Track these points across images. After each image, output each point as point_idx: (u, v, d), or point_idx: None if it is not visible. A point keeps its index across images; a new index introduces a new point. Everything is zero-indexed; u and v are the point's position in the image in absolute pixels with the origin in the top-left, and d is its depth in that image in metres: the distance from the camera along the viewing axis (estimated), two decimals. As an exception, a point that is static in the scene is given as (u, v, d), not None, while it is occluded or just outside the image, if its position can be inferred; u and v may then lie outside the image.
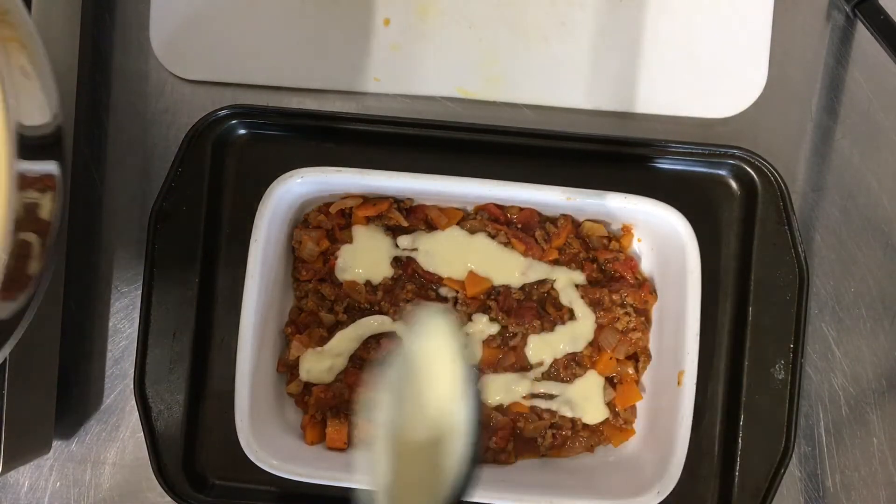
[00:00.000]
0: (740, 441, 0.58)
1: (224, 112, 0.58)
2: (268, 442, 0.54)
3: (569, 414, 0.58)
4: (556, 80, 0.61)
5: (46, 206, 0.42)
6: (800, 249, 0.58)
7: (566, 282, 0.58)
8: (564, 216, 0.59)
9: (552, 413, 0.58)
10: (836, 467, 0.60)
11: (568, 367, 0.58)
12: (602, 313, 0.58)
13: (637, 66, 0.60)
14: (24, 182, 0.40)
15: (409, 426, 0.37)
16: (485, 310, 0.58)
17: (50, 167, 0.43)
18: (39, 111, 0.43)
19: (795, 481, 0.60)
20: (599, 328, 0.58)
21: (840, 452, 0.60)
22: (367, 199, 0.58)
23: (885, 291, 0.61)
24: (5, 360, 0.52)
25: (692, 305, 0.54)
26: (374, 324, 0.58)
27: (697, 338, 0.54)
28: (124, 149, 0.62)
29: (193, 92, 0.62)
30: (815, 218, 0.61)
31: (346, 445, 0.57)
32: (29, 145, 0.40)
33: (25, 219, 0.40)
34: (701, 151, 0.59)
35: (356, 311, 0.58)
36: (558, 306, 0.58)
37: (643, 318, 0.58)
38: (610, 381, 0.58)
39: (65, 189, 0.44)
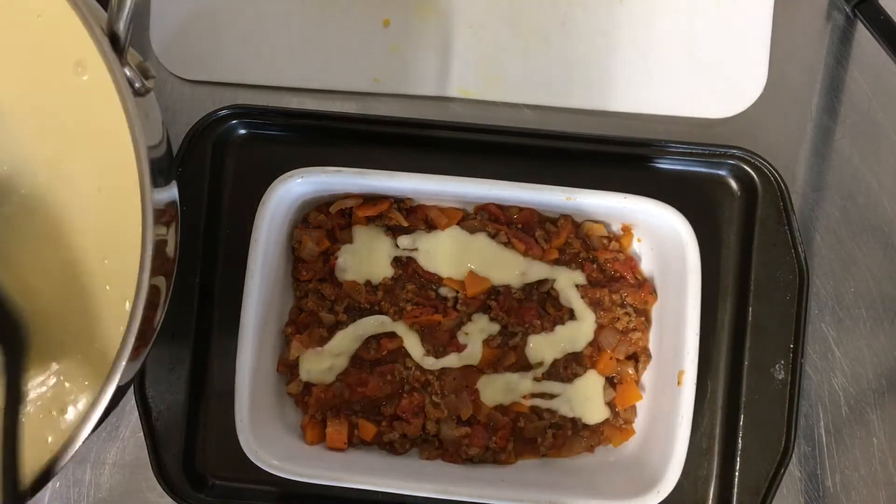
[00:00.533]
0: (740, 441, 0.58)
1: (224, 112, 0.58)
2: (268, 442, 0.54)
3: (569, 414, 0.58)
4: (556, 80, 0.61)
5: (171, 240, 0.38)
6: (800, 249, 0.58)
7: (566, 282, 0.58)
8: (564, 216, 0.59)
9: (552, 413, 0.58)
10: (836, 467, 0.60)
11: (568, 367, 0.58)
12: (602, 313, 0.58)
13: (637, 66, 0.60)
14: (157, 217, 0.33)
15: None
16: (485, 310, 0.58)
17: (172, 193, 0.39)
18: (155, 128, 0.38)
19: (795, 481, 0.60)
20: (599, 328, 0.58)
21: (840, 452, 0.60)
22: (367, 199, 0.58)
23: (885, 291, 0.61)
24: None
25: (692, 305, 0.54)
26: (374, 324, 0.58)
27: (697, 338, 0.54)
28: (124, 149, 0.62)
29: (193, 92, 0.62)
30: (815, 218, 0.61)
31: (346, 445, 0.57)
32: (155, 170, 0.34)
33: (155, 262, 0.34)
34: (701, 151, 0.59)
35: (356, 311, 0.58)
36: (558, 306, 0.58)
37: (643, 318, 0.58)
38: (610, 381, 0.58)
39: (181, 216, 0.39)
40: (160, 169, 0.37)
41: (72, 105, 0.40)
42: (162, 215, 0.35)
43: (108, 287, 0.38)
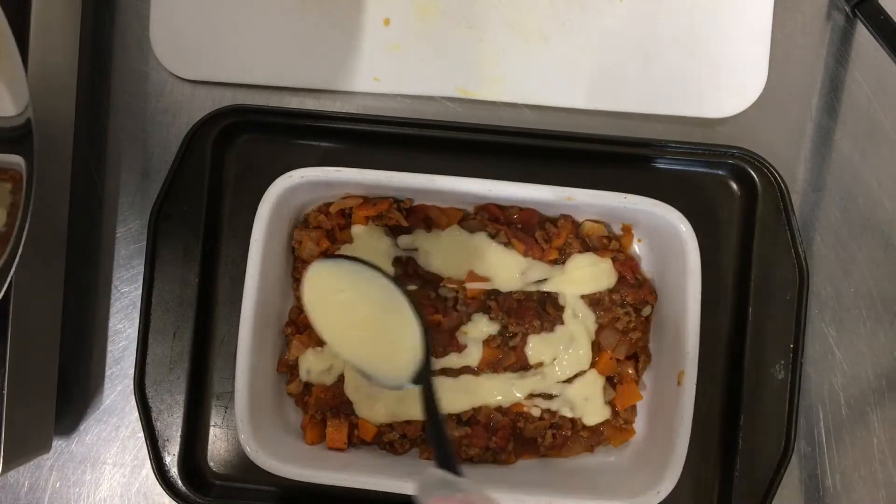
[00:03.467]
0: (740, 441, 0.58)
1: (224, 112, 0.58)
2: (268, 442, 0.54)
3: (569, 414, 0.58)
4: (556, 80, 0.61)
5: (4, 198, 0.41)
6: (800, 249, 0.58)
7: (566, 282, 0.58)
8: (564, 216, 0.59)
9: (552, 413, 0.58)
10: (836, 467, 0.60)
11: (568, 367, 0.58)
12: (602, 313, 0.58)
13: (637, 66, 0.60)
14: None
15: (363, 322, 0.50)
16: (485, 310, 0.58)
17: (12, 160, 0.42)
18: (6, 103, 0.42)
19: (795, 481, 0.60)
20: (599, 328, 0.58)
21: (840, 452, 0.60)
22: (367, 199, 0.58)
23: (885, 291, 0.61)
24: (5, 360, 0.52)
25: (692, 305, 0.54)
26: (374, 324, 0.58)
27: (697, 338, 0.54)
28: (124, 149, 0.62)
29: (193, 92, 0.62)
30: (815, 218, 0.61)
31: (346, 445, 0.57)
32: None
33: None
34: (701, 151, 0.59)
35: (356, 311, 0.58)
36: (558, 306, 0.58)
37: (643, 318, 0.58)
38: (610, 381, 0.58)
39: (30, 184, 0.42)
40: (7, 139, 0.41)
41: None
42: None
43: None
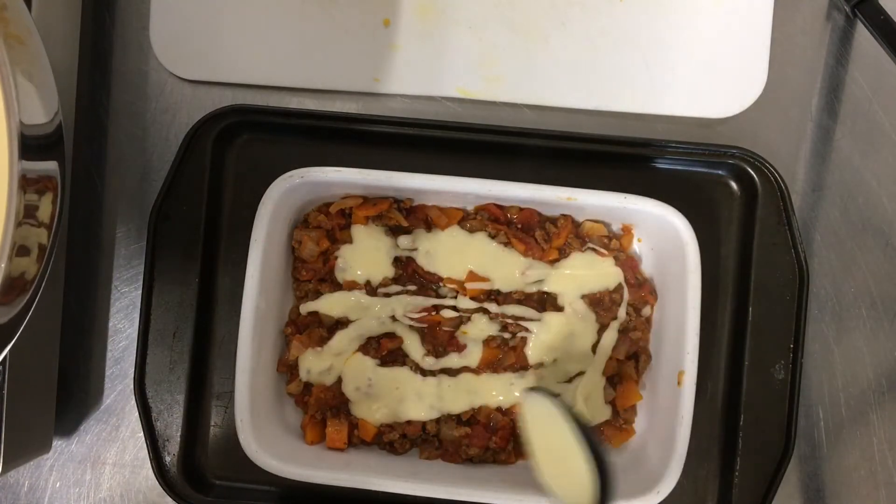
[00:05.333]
0: (740, 441, 0.58)
1: (224, 112, 0.58)
2: (268, 442, 0.54)
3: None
4: (556, 80, 0.61)
5: (46, 208, 0.42)
6: (800, 249, 0.58)
7: (566, 282, 0.58)
8: (564, 216, 0.59)
9: (552, 413, 0.58)
10: (836, 467, 0.60)
11: (568, 367, 0.58)
12: (602, 313, 0.58)
13: (637, 65, 0.60)
14: (24, 183, 0.38)
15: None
16: (485, 310, 0.58)
17: (50, 167, 0.42)
18: (40, 110, 0.42)
19: (795, 481, 0.60)
20: (600, 328, 0.58)
21: (840, 452, 0.60)
22: (367, 199, 0.58)
23: (885, 291, 0.61)
24: (5, 360, 0.52)
25: (692, 305, 0.54)
26: (374, 324, 0.58)
27: (697, 338, 0.54)
28: (124, 149, 0.62)
29: (193, 92, 0.62)
30: (815, 218, 0.61)
31: (346, 445, 0.57)
32: (30, 145, 0.39)
33: (25, 222, 0.39)
34: (701, 151, 0.59)
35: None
36: (558, 306, 0.58)
37: (643, 318, 0.58)
38: (610, 381, 0.58)
39: (64, 190, 0.44)
40: (42, 146, 0.40)
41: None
42: (33, 184, 0.39)
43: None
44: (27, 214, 0.39)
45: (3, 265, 0.38)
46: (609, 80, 0.60)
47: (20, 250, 0.39)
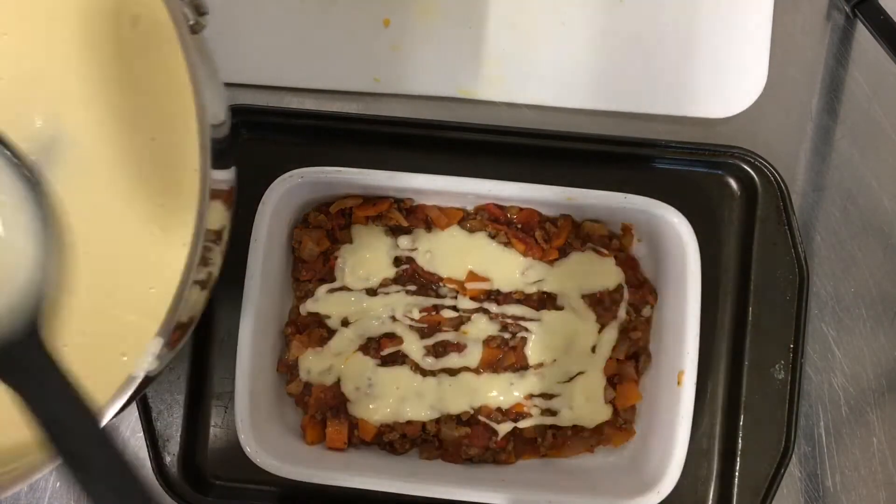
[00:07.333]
0: (740, 441, 0.58)
1: (224, 112, 0.58)
2: (268, 442, 0.54)
3: (569, 414, 0.58)
4: (556, 80, 0.61)
5: (221, 218, 0.36)
6: (800, 249, 0.58)
7: (566, 281, 0.58)
8: (564, 216, 0.59)
9: (552, 413, 0.58)
10: (836, 467, 0.60)
11: (568, 367, 0.58)
12: (602, 313, 0.58)
13: (637, 66, 0.60)
14: (213, 195, 0.33)
15: None
16: (485, 310, 0.58)
17: (229, 175, 0.39)
18: (220, 106, 0.37)
19: (795, 481, 0.60)
20: (600, 328, 0.58)
21: (840, 452, 0.60)
22: (367, 199, 0.58)
23: (885, 291, 0.61)
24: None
25: (692, 305, 0.54)
26: (374, 324, 0.58)
27: (697, 338, 0.54)
28: (124, 149, 0.62)
29: (193, 92, 0.62)
30: (815, 218, 0.61)
31: (346, 445, 0.57)
32: (216, 150, 0.33)
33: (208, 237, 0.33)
34: (701, 151, 0.59)
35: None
36: (558, 306, 0.58)
37: (643, 318, 0.58)
38: (610, 381, 0.58)
39: (235, 195, 0.38)
40: (222, 150, 0.37)
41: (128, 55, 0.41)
42: (217, 196, 0.35)
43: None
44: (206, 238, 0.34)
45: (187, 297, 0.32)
46: (609, 80, 0.60)
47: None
